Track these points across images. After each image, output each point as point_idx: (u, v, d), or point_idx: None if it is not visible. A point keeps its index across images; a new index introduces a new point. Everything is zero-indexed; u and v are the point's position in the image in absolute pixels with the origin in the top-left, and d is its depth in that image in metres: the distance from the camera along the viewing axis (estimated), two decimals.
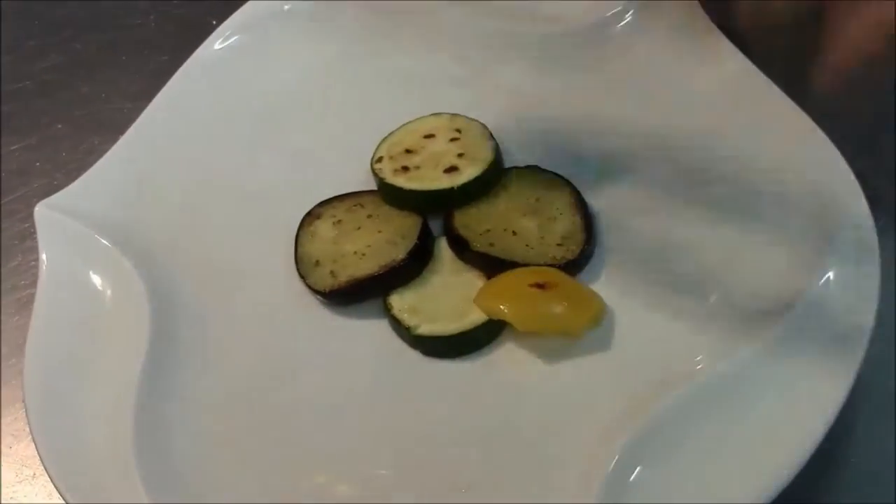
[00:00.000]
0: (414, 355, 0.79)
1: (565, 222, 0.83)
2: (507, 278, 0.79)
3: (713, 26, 0.91)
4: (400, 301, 0.80)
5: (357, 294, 0.82)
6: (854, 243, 0.74)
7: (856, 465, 0.73)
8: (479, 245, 0.81)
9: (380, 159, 0.88)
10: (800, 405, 0.67)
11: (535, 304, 0.76)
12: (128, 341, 0.77)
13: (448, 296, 0.80)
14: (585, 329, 0.76)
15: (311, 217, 0.86)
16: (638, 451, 0.67)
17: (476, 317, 0.78)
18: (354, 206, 0.87)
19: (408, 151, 0.88)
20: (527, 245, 0.81)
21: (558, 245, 0.81)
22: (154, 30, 1.13)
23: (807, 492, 0.70)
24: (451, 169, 0.85)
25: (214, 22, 0.99)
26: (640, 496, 0.65)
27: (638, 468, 0.66)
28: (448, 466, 0.72)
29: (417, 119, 0.91)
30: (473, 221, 0.83)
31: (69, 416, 0.73)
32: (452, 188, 0.84)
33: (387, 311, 0.81)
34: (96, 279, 0.80)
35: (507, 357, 0.78)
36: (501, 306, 0.77)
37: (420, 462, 0.73)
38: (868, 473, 0.73)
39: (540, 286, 0.77)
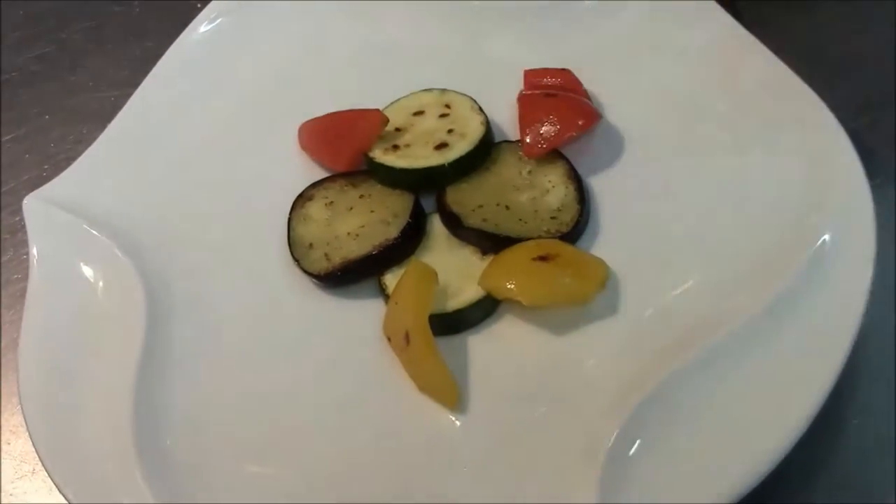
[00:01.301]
0: None
1: (558, 194, 0.82)
2: (509, 255, 0.79)
3: None
4: (395, 280, 0.79)
5: (352, 275, 0.81)
6: (849, 203, 0.74)
7: (857, 427, 0.73)
8: (471, 221, 0.81)
9: None
10: (800, 370, 0.67)
11: (542, 278, 0.76)
12: (123, 332, 0.76)
13: (443, 273, 0.79)
14: (593, 295, 0.76)
15: (302, 199, 0.86)
16: (640, 423, 0.67)
17: (473, 293, 0.78)
18: (346, 186, 0.86)
19: (398, 130, 0.87)
20: (520, 219, 0.81)
21: (552, 218, 0.81)
22: (139, 16, 1.13)
23: (808, 456, 0.70)
24: (442, 145, 0.85)
25: (199, 5, 0.98)
26: (640, 469, 0.65)
27: (639, 440, 0.66)
28: (450, 442, 0.72)
29: (407, 96, 0.90)
30: (466, 197, 0.83)
31: (66, 411, 0.72)
32: (444, 165, 0.83)
33: (382, 292, 0.80)
34: (88, 270, 0.80)
35: (508, 330, 0.78)
36: (509, 285, 0.76)
37: (422, 439, 0.73)
38: (869, 436, 0.73)
39: (543, 258, 0.76)
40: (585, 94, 0.88)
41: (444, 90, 0.90)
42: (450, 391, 0.74)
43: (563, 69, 0.89)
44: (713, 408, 0.67)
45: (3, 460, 0.79)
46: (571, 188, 0.83)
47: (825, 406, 0.65)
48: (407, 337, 0.74)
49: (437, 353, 0.74)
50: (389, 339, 0.77)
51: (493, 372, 0.76)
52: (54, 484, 0.68)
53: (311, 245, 0.82)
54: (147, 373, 0.74)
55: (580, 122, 0.84)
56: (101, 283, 0.80)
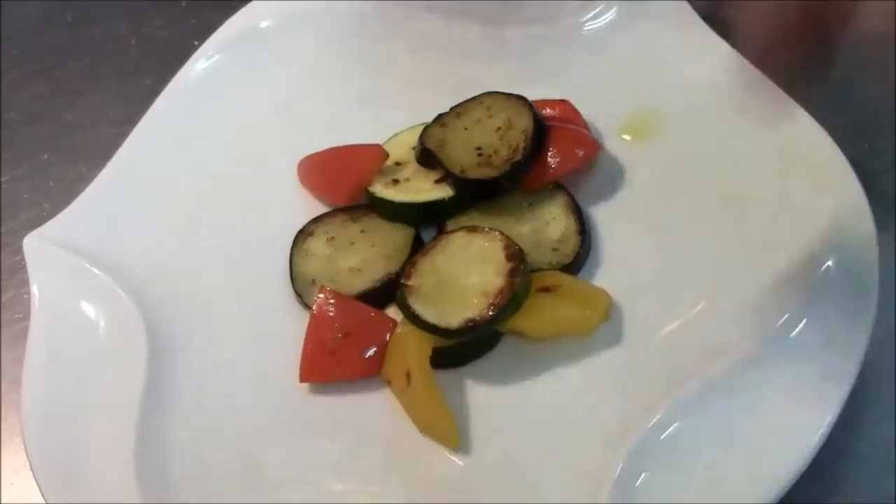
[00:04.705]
0: None
1: (559, 226, 0.82)
2: None
3: (699, 19, 0.91)
4: (397, 314, 0.79)
5: None
6: (851, 230, 0.74)
7: (862, 457, 0.73)
8: None
9: None
10: (806, 399, 0.67)
11: (544, 310, 0.76)
12: (125, 371, 0.76)
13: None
14: (596, 325, 0.76)
15: (303, 235, 0.86)
16: (645, 454, 0.66)
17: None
18: (347, 221, 0.86)
19: (397, 164, 0.87)
20: None
21: (553, 250, 0.81)
22: (136, 54, 1.12)
23: (812, 484, 0.69)
24: (442, 179, 0.85)
25: (196, 42, 0.98)
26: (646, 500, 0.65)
27: (644, 473, 0.66)
28: (453, 475, 0.72)
29: (404, 130, 0.90)
30: None
31: (70, 450, 0.72)
32: (444, 199, 0.83)
33: None
34: (89, 309, 0.80)
35: (510, 363, 0.77)
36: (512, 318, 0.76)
37: (424, 472, 0.73)
38: (873, 465, 0.73)
39: (545, 290, 0.77)
40: (585, 125, 0.88)
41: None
42: (451, 433, 0.73)
43: (562, 100, 0.89)
44: (718, 438, 0.67)
45: (6, 501, 0.79)
46: (572, 219, 0.83)
47: (831, 435, 0.65)
48: (408, 377, 0.74)
49: (438, 395, 0.74)
50: (389, 383, 0.77)
51: (495, 406, 0.76)
52: None
53: (313, 281, 0.82)
54: (150, 410, 0.74)
55: (580, 154, 0.84)
56: (102, 322, 0.79)
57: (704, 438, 0.67)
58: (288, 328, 0.81)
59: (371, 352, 0.77)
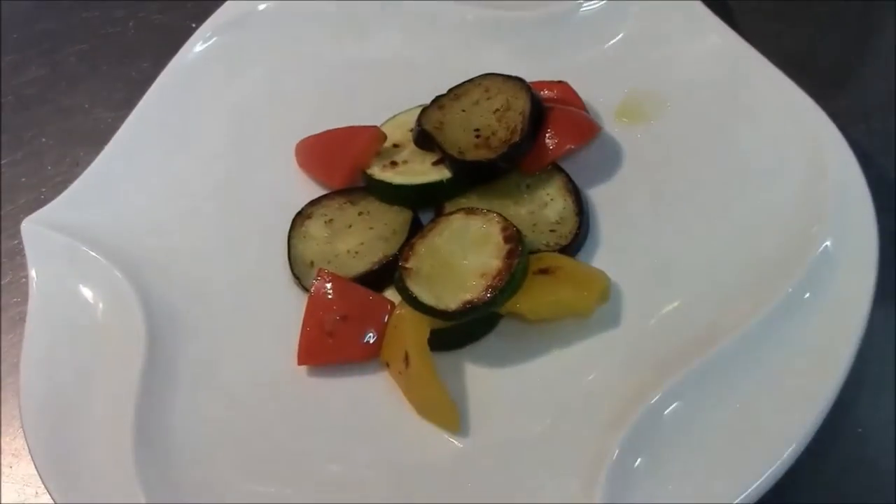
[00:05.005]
0: None
1: (557, 207, 0.82)
2: None
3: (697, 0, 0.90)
4: (395, 296, 0.79)
5: None
6: (850, 210, 0.73)
7: (860, 438, 0.73)
8: None
9: None
10: (803, 379, 0.67)
11: (543, 292, 0.76)
12: (123, 353, 0.76)
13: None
14: (595, 307, 0.76)
15: (302, 217, 0.86)
16: (642, 435, 0.66)
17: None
18: (345, 203, 0.86)
19: (395, 146, 0.87)
20: None
21: (551, 231, 0.81)
22: (134, 37, 1.12)
23: (811, 466, 0.69)
24: (440, 161, 0.84)
25: (194, 25, 0.98)
26: (643, 483, 0.65)
27: (641, 454, 0.66)
28: (450, 463, 0.72)
29: (402, 112, 0.90)
30: None
31: (68, 433, 0.72)
32: (442, 181, 0.83)
33: None
34: (87, 292, 0.80)
35: (509, 345, 0.77)
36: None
37: (422, 457, 0.73)
38: (873, 445, 0.73)
39: (544, 272, 0.76)
40: (583, 106, 0.88)
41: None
42: (450, 415, 0.73)
43: (561, 82, 0.89)
44: (715, 420, 0.67)
45: (5, 484, 0.79)
46: (570, 201, 0.82)
47: (829, 415, 0.65)
48: (406, 359, 0.74)
49: (436, 377, 0.74)
50: (388, 365, 0.76)
51: (494, 388, 0.76)
52: None
53: (311, 263, 0.82)
54: (148, 393, 0.74)
55: (578, 135, 0.84)
56: (100, 305, 0.79)
57: (702, 419, 0.67)
58: (286, 311, 0.81)
59: (369, 334, 0.77)
